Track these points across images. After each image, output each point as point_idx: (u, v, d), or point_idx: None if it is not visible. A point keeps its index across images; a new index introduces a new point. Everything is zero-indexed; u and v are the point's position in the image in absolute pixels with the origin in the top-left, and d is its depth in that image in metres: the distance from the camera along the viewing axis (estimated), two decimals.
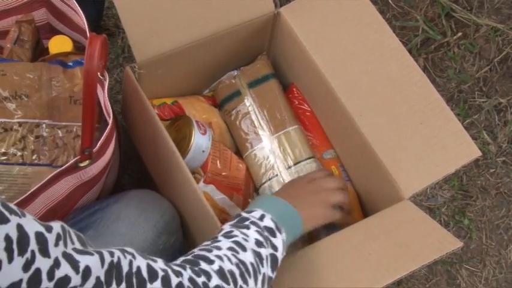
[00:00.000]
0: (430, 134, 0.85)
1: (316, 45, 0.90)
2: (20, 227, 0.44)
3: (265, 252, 0.68)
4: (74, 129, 0.83)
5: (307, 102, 0.98)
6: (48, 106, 0.83)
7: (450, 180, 1.23)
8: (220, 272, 0.62)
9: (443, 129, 0.86)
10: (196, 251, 0.67)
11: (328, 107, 0.93)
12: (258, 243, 0.68)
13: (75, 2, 0.82)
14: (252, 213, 0.72)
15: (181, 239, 0.88)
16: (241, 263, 0.65)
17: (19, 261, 0.44)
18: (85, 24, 0.79)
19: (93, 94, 0.72)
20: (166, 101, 0.96)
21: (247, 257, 0.66)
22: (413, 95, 0.87)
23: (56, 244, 0.48)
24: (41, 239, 0.46)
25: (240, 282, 0.64)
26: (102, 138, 0.76)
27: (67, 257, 0.48)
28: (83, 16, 0.80)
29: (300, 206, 0.77)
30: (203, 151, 0.90)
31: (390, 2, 1.33)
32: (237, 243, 0.67)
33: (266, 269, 0.68)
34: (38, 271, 0.45)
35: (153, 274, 0.56)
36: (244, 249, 0.67)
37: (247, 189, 0.95)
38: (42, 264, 0.46)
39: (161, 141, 0.84)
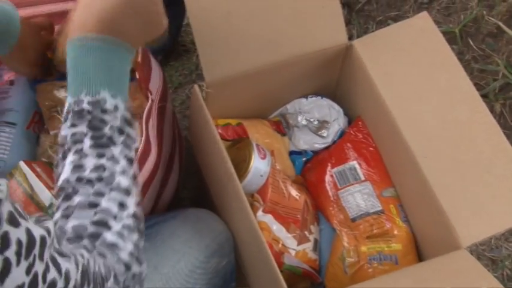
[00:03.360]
0: (496, 183, 0.82)
1: (386, 81, 0.89)
2: (28, 231, 0.45)
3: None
4: None
5: (371, 137, 0.97)
6: None
7: None
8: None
9: (510, 181, 0.82)
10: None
11: (392, 145, 0.91)
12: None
13: None
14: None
15: (233, 261, 0.88)
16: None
17: (24, 264, 0.44)
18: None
19: None
20: (230, 122, 0.97)
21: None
22: (482, 141, 0.84)
23: (50, 246, 0.48)
24: (43, 242, 0.46)
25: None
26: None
27: (53, 260, 0.48)
28: None
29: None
30: (261, 175, 0.90)
31: (471, 43, 1.29)
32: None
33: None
34: (36, 275, 0.45)
35: (108, 273, 0.56)
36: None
37: (304, 221, 0.93)
38: (39, 268, 0.46)
39: (220, 162, 0.85)
